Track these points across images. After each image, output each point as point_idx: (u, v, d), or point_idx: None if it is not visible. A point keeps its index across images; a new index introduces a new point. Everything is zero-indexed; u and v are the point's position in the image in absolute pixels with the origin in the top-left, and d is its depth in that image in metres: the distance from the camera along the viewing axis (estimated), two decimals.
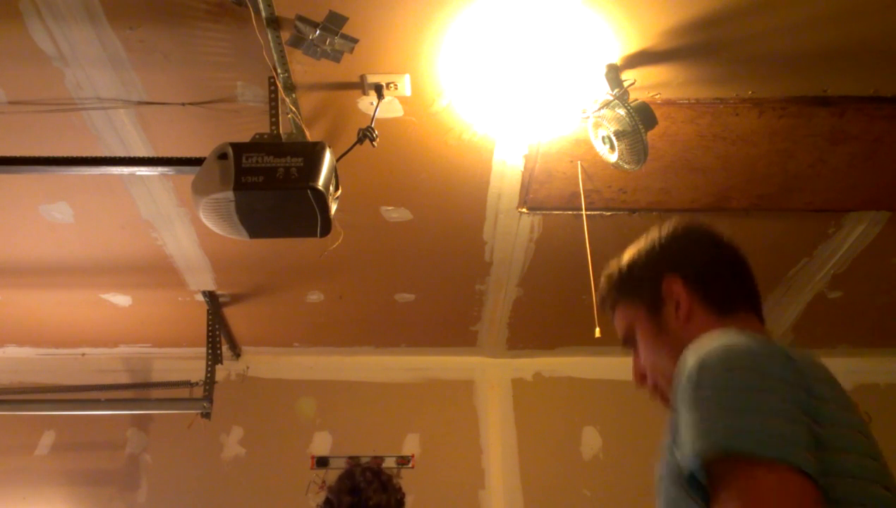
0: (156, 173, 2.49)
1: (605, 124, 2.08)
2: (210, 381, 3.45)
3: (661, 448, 0.98)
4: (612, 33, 2.00)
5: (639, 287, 1.17)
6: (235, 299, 3.41)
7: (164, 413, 3.67)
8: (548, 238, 2.97)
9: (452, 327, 3.70)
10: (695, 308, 1.11)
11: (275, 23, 1.93)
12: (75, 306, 3.41)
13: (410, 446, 3.82)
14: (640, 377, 1.17)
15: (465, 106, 2.27)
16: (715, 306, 1.11)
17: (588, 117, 2.18)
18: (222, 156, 1.92)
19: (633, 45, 2.04)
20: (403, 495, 2.42)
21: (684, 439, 0.87)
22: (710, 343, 0.94)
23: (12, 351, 3.77)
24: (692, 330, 1.09)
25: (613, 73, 2.09)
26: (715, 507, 0.83)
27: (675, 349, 1.07)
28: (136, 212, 2.75)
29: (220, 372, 3.69)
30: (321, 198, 1.91)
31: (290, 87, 2.14)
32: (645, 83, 2.15)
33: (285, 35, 1.97)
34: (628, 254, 1.22)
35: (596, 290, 1.53)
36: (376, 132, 2.16)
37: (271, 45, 1.98)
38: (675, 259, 1.16)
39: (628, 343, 1.19)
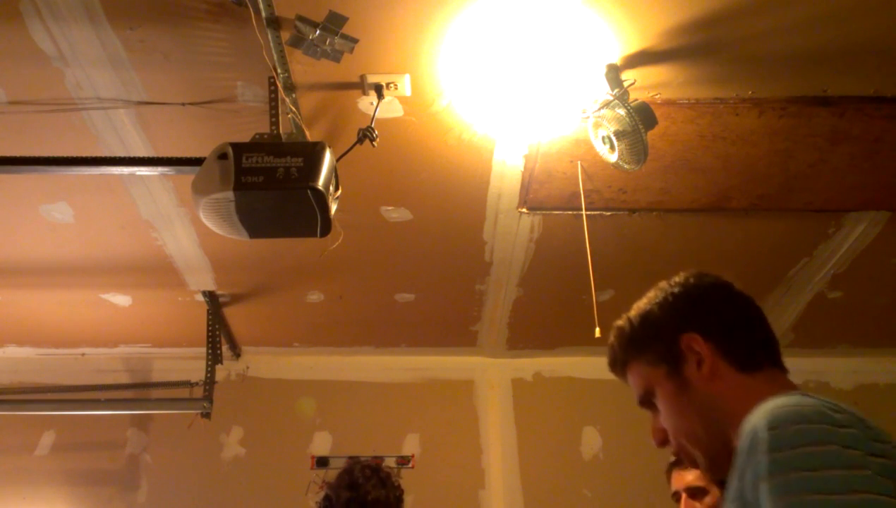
0: (156, 173, 2.49)
1: (605, 124, 2.08)
2: (210, 381, 3.45)
3: None
4: (612, 33, 2.00)
5: (655, 344, 1.12)
6: (235, 299, 3.41)
7: (164, 413, 3.67)
8: (548, 238, 2.97)
9: (452, 327, 3.70)
10: (718, 364, 1.07)
11: (275, 23, 1.93)
12: (75, 306, 3.41)
13: (410, 446, 3.82)
14: (661, 439, 1.12)
15: (465, 106, 2.27)
16: (738, 362, 1.08)
17: (588, 117, 2.18)
18: (222, 156, 1.92)
19: (633, 45, 2.04)
20: (402, 491, 2.42)
21: None
22: (779, 411, 0.88)
23: (12, 351, 3.77)
24: (718, 387, 1.06)
25: (613, 73, 2.09)
26: None
27: (702, 409, 1.06)
28: (136, 212, 2.75)
29: (220, 372, 3.69)
30: (321, 198, 1.91)
31: (290, 87, 2.14)
32: (645, 83, 2.15)
33: (285, 35, 1.97)
34: (639, 309, 1.18)
35: (596, 290, 1.50)
36: (376, 132, 2.16)
37: (271, 45, 1.98)
38: (693, 313, 1.12)
39: (645, 403, 1.15)
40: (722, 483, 1.29)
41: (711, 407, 1.05)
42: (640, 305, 1.18)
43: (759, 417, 0.89)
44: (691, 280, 1.16)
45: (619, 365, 1.20)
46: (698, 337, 1.08)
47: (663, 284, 1.18)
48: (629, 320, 1.19)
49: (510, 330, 3.71)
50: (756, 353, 1.09)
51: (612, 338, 1.22)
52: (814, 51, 2.08)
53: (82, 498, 3.59)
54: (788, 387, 1.05)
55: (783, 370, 1.10)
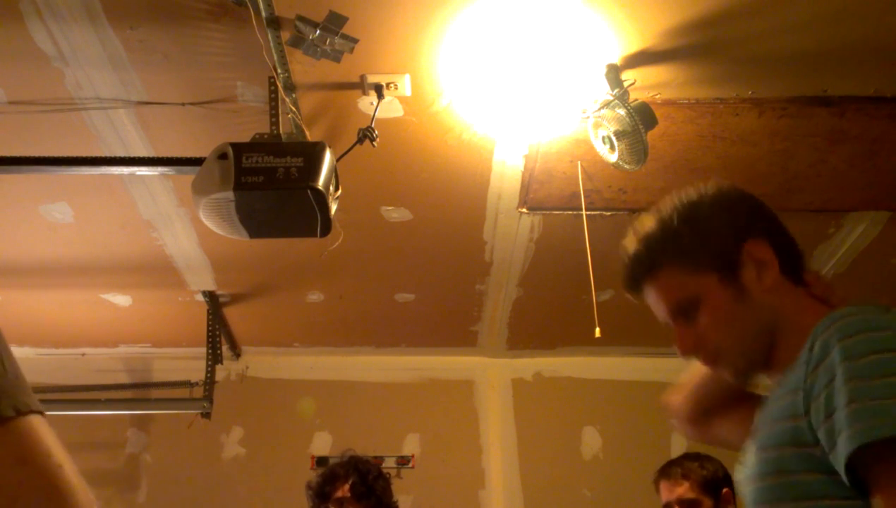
0: (156, 173, 2.48)
1: (605, 124, 2.08)
2: (210, 381, 3.45)
3: (775, 432, 0.93)
4: (612, 33, 2.00)
5: (707, 249, 1.05)
6: (235, 299, 3.41)
7: (164, 413, 3.67)
8: (548, 238, 2.97)
9: (452, 327, 3.70)
10: (778, 275, 1.04)
11: (275, 23, 1.93)
12: (75, 306, 3.41)
13: (410, 446, 3.82)
14: (692, 347, 1.06)
15: (465, 106, 2.27)
16: (792, 273, 1.05)
17: (588, 117, 2.18)
18: (222, 156, 1.92)
19: (633, 45, 2.04)
20: (385, 482, 2.42)
21: (843, 424, 0.82)
22: (853, 322, 0.89)
23: (12, 351, 3.76)
24: (777, 298, 1.03)
25: (613, 73, 2.09)
26: (880, 492, 0.81)
27: (759, 318, 1.03)
28: (136, 212, 2.75)
29: (220, 372, 3.69)
30: (321, 198, 1.91)
31: (290, 87, 2.14)
32: (645, 83, 2.15)
33: (285, 35, 1.97)
34: (679, 210, 1.09)
35: (596, 290, 1.49)
36: (376, 132, 2.16)
37: (271, 45, 1.98)
38: (755, 219, 1.07)
39: (679, 313, 1.07)
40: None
41: (769, 317, 1.03)
42: (677, 206, 1.10)
43: (827, 329, 0.89)
44: (720, 185, 1.11)
45: (643, 271, 1.11)
46: (766, 243, 1.04)
47: (700, 187, 1.10)
48: (665, 222, 1.10)
49: (510, 330, 3.71)
50: (802, 266, 1.08)
51: (635, 243, 1.13)
52: (814, 51, 2.08)
53: None
54: (838, 301, 1.04)
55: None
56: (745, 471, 1.03)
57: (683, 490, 2.15)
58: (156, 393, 3.78)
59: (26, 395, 0.57)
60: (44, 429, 0.56)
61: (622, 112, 2.03)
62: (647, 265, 1.10)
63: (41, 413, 0.57)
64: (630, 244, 1.14)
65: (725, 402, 1.24)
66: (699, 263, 1.05)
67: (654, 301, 1.11)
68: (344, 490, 2.32)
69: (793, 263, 1.07)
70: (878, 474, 0.81)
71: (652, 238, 1.10)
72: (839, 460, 0.82)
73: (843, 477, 0.83)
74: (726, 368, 1.07)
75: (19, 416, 0.55)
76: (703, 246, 1.06)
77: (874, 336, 0.86)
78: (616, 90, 2.07)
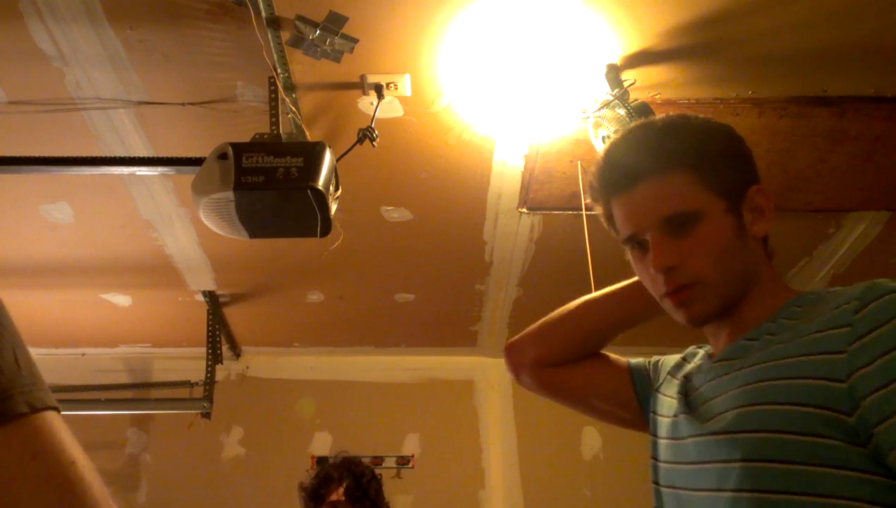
0: (156, 173, 2.49)
1: (605, 124, 2.08)
2: (210, 381, 3.45)
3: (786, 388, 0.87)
4: (612, 33, 2.00)
5: (726, 173, 0.99)
6: (235, 299, 3.41)
7: (164, 413, 3.67)
8: (548, 238, 2.97)
9: (452, 327, 3.70)
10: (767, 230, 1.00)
11: (275, 23, 1.93)
12: (75, 306, 3.41)
13: (410, 446, 3.82)
14: (673, 263, 0.97)
15: (465, 106, 2.27)
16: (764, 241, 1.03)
17: (588, 117, 2.18)
18: (222, 156, 1.92)
19: (633, 45, 2.04)
20: (378, 484, 2.42)
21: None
22: (877, 284, 0.87)
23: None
24: (761, 254, 1.01)
25: (613, 73, 2.09)
26: None
27: (746, 262, 0.98)
28: (136, 212, 2.75)
29: (220, 372, 3.69)
30: (321, 198, 1.91)
31: (290, 87, 2.14)
32: (645, 83, 2.15)
33: (285, 35, 1.97)
34: (709, 126, 1.03)
35: (596, 287, 1.47)
36: (376, 132, 2.16)
37: (271, 45, 1.98)
38: (756, 168, 1.03)
39: (672, 224, 0.98)
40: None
41: (752, 265, 0.99)
42: (710, 121, 1.04)
43: (881, 296, 0.87)
44: (706, 121, 1.05)
45: (652, 164, 0.99)
46: (770, 193, 1.00)
47: (710, 119, 1.04)
48: (691, 123, 1.02)
49: (510, 330, 3.71)
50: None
51: (647, 129, 1.03)
52: (814, 51, 2.08)
53: None
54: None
55: None
56: (708, 425, 0.95)
57: None
58: (156, 393, 3.78)
59: (41, 391, 0.57)
60: (58, 425, 0.57)
61: (622, 112, 2.03)
62: (661, 161, 0.99)
63: (56, 409, 0.58)
64: (639, 133, 1.04)
65: (583, 353, 1.27)
66: (714, 183, 0.98)
67: (643, 205, 1.00)
68: (339, 494, 2.32)
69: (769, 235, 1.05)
70: None
71: (674, 135, 1.01)
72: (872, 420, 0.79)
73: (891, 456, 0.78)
74: (696, 301, 0.99)
75: (34, 412, 0.55)
76: (724, 168, 0.99)
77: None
78: (616, 90, 2.07)
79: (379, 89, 2.16)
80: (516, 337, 1.36)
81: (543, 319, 1.29)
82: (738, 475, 0.87)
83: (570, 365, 1.28)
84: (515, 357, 1.33)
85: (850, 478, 0.81)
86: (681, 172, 0.98)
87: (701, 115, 1.06)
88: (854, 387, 0.81)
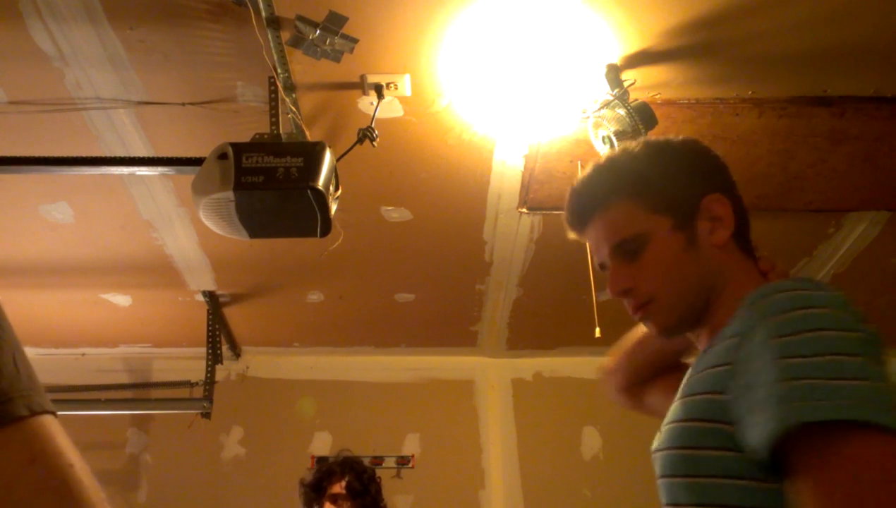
0: (156, 173, 2.49)
1: (605, 124, 2.08)
2: (210, 381, 3.45)
3: (686, 404, 0.91)
4: (612, 33, 2.00)
5: (669, 191, 1.02)
6: (235, 299, 3.41)
7: (164, 413, 3.67)
8: (548, 238, 2.97)
9: (452, 327, 3.70)
10: (730, 235, 1.01)
11: (275, 23, 1.93)
12: (75, 306, 3.41)
13: (410, 446, 3.82)
14: (625, 288, 1.02)
15: (465, 106, 2.27)
16: (743, 241, 1.03)
17: (588, 117, 2.18)
18: (222, 156, 1.92)
19: (633, 45, 2.04)
20: (378, 486, 2.43)
21: (764, 405, 0.78)
22: (789, 297, 0.83)
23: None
24: (727, 257, 1.01)
25: (613, 73, 2.09)
26: (809, 475, 0.74)
27: (703, 272, 1.00)
28: (136, 212, 2.75)
29: (220, 372, 3.69)
30: (321, 198, 1.91)
31: (290, 87, 2.14)
32: (645, 83, 2.15)
33: (285, 35, 1.97)
34: (648, 147, 1.06)
35: (596, 290, 1.48)
36: (376, 132, 2.16)
37: (271, 45, 1.98)
38: (715, 174, 1.05)
39: (621, 251, 1.03)
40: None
41: (712, 275, 1.00)
42: (642, 145, 1.07)
43: (758, 302, 0.86)
44: (695, 141, 1.08)
45: (595, 203, 1.05)
46: (727, 201, 1.02)
47: (670, 138, 1.08)
48: (631, 153, 1.06)
49: (510, 330, 3.71)
50: (749, 237, 1.06)
51: (591, 173, 1.07)
52: (814, 51, 2.08)
53: None
54: (779, 275, 1.02)
55: None
56: (656, 441, 1.00)
57: None
58: (156, 393, 3.78)
59: (39, 395, 0.58)
60: (56, 429, 0.57)
61: (622, 112, 2.03)
62: (600, 197, 1.05)
63: (53, 413, 0.58)
64: (585, 174, 1.08)
65: (658, 371, 1.24)
66: (656, 204, 1.02)
67: (597, 238, 1.06)
68: (340, 487, 2.33)
69: (745, 231, 1.04)
70: (810, 459, 0.75)
71: (611, 170, 1.06)
72: (762, 439, 0.77)
73: (762, 457, 0.78)
74: (654, 317, 1.02)
75: (32, 416, 0.55)
76: (663, 187, 1.03)
77: (811, 313, 0.81)
78: (616, 90, 2.07)
79: (379, 89, 2.16)
80: (609, 360, 1.34)
81: (628, 339, 1.29)
82: (663, 489, 0.96)
83: (656, 380, 1.27)
84: (610, 379, 1.35)
85: (737, 486, 0.83)
86: (621, 202, 1.04)
87: (666, 138, 1.10)
88: (731, 397, 0.84)
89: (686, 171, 1.05)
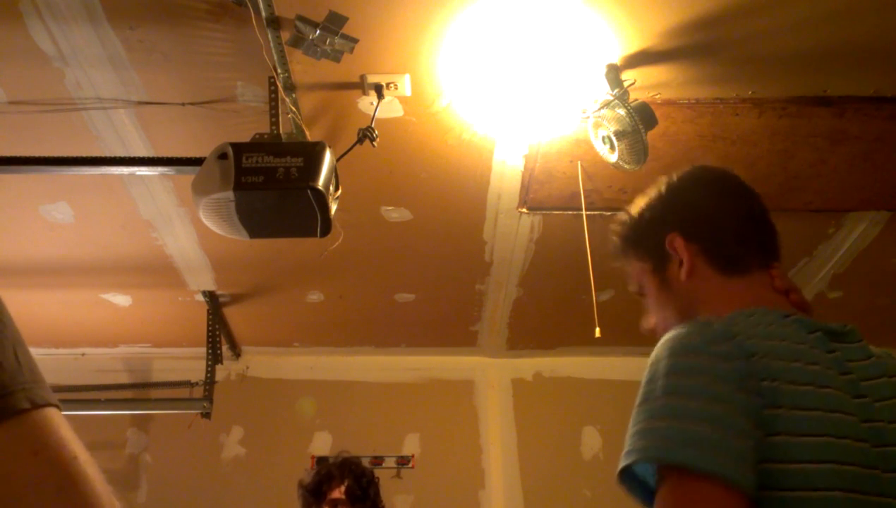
0: (156, 173, 2.49)
1: (605, 124, 2.08)
2: (210, 381, 3.45)
3: None
4: (612, 33, 2.00)
5: (645, 240, 1.16)
6: (235, 299, 3.41)
7: (164, 413, 3.67)
8: (548, 238, 2.97)
9: (452, 327, 3.70)
10: (699, 265, 1.08)
11: (275, 23, 1.93)
12: (75, 306, 3.41)
13: (410, 446, 3.82)
14: (651, 329, 1.17)
15: (465, 106, 2.27)
16: (719, 264, 1.08)
17: (588, 117, 2.18)
18: (222, 156, 1.92)
19: (633, 45, 2.04)
20: (377, 488, 2.44)
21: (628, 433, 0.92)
22: (667, 337, 0.93)
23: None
24: (697, 288, 1.09)
25: (613, 73, 2.09)
26: None
27: (680, 306, 1.10)
28: (136, 212, 2.75)
29: (220, 372, 3.69)
30: (321, 198, 1.91)
31: (290, 87, 2.14)
32: (645, 83, 2.15)
33: (285, 35, 1.97)
34: (639, 203, 1.20)
35: (596, 290, 1.53)
36: (376, 132, 2.16)
37: (271, 45, 1.98)
38: (679, 213, 1.14)
39: (640, 294, 1.19)
40: None
41: (687, 306, 1.09)
42: (642, 199, 1.20)
43: (664, 340, 0.94)
44: (686, 175, 1.17)
45: (620, 255, 1.24)
46: (679, 237, 1.10)
47: (662, 178, 1.19)
48: (629, 214, 1.21)
49: (510, 330, 3.71)
50: (741, 256, 1.09)
51: (614, 228, 1.25)
52: (814, 51, 2.08)
53: None
54: (758, 299, 1.05)
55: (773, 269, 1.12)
56: None
57: None
58: (156, 393, 3.78)
59: (42, 388, 0.58)
60: (59, 421, 0.57)
61: (622, 112, 2.03)
62: (620, 252, 1.23)
63: (57, 406, 0.58)
64: (615, 229, 1.26)
65: None
66: (640, 254, 1.17)
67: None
68: (340, 492, 2.33)
69: (727, 254, 1.09)
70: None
71: (622, 227, 1.22)
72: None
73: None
74: None
75: (35, 408, 0.56)
76: (643, 237, 1.17)
77: (655, 366, 0.90)
78: (616, 90, 2.07)
79: (379, 89, 2.16)
80: None
81: None
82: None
83: None
84: None
85: None
86: (630, 255, 1.20)
87: (662, 180, 1.19)
88: None
89: (657, 218, 1.15)
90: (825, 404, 0.85)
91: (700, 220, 1.12)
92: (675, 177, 1.17)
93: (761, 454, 0.80)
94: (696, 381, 0.85)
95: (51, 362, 3.80)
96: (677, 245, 1.10)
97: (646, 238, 1.16)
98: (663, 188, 1.17)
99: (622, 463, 0.91)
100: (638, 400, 0.92)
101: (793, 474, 0.80)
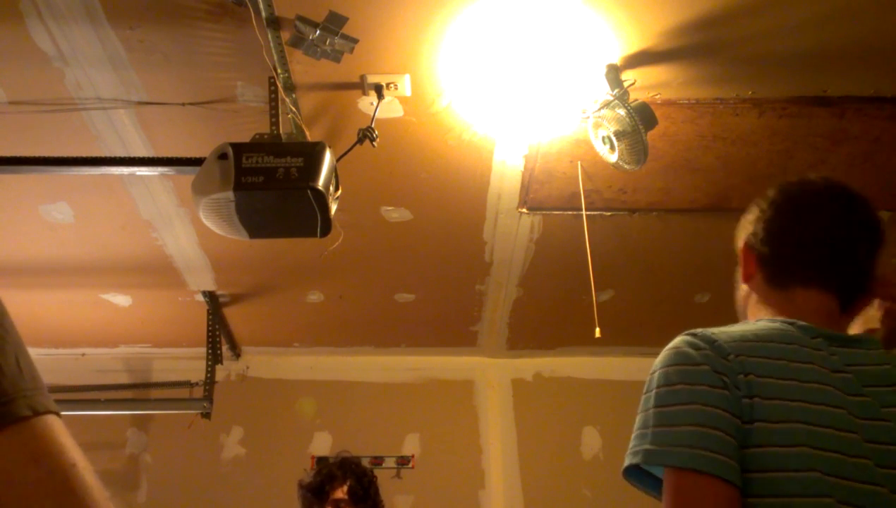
0: (156, 173, 2.49)
1: (605, 124, 2.08)
2: (210, 381, 3.45)
3: None
4: (612, 33, 2.00)
5: (737, 240, 1.25)
6: (235, 299, 3.41)
7: (164, 413, 3.67)
8: (548, 238, 2.97)
9: (452, 327, 3.70)
10: (756, 277, 1.17)
11: (275, 23, 1.93)
12: (75, 306, 3.41)
13: (410, 446, 3.82)
14: None
15: (465, 106, 2.27)
16: (768, 275, 1.16)
17: (588, 117, 2.18)
18: (222, 156, 1.92)
19: (633, 45, 2.04)
20: (377, 488, 2.44)
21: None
22: (665, 348, 1.04)
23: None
24: (750, 296, 1.19)
25: (613, 73, 2.09)
26: None
27: (739, 304, 1.22)
28: (136, 212, 2.75)
29: (220, 372, 3.69)
30: (321, 198, 1.91)
31: (290, 87, 2.14)
32: (645, 83, 2.15)
33: (285, 35, 1.97)
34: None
35: (596, 290, 1.57)
36: (376, 132, 2.16)
37: (271, 45, 1.98)
38: (751, 223, 1.22)
39: None
40: None
41: (742, 306, 1.21)
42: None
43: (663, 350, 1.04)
44: (782, 188, 1.22)
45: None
46: (745, 247, 1.21)
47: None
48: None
49: (510, 330, 3.71)
50: (789, 270, 1.14)
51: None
52: (814, 51, 2.08)
53: None
54: (784, 312, 1.11)
55: (833, 293, 1.11)
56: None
57: None
58: (156, 393, 3.78)
59: (42, 396, 0.58)
60: (59, 429, 0.57)
61: (622, 112, 2.03)
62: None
63: (57, 413, 0.58)
64: None
65: None
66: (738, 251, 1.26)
67: None
68: (342, 492, 2.34)
69: (775, 266, 1.15)
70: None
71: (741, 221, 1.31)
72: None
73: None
74: None
75: (35, 416, 0.56)
76: (737, 237, 1.26)
77: (651, 376, 1.02)
78: (616, 90, 2.07)
79: (379, 89, 2.16)
80: None
81: None
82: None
83: None
84: None
85: None
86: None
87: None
88: None
89: (745, 221, 1.24)
90: (808, 396, 0.94)
91: (763, 231, 1.19)
92: (784, 183, 1.23)
93: (742, 440, 0.91)
94: (681, 388, 0.96)
95: (51, 362, 3.80)
96: (741, 251, 1.21)
97: (738, 238, 1.25)
98: (771, 191, 1.23)
99: (627, 462, 0.98)
100: (639, 407, 1.01)
101: (770, 456, 0.90)
